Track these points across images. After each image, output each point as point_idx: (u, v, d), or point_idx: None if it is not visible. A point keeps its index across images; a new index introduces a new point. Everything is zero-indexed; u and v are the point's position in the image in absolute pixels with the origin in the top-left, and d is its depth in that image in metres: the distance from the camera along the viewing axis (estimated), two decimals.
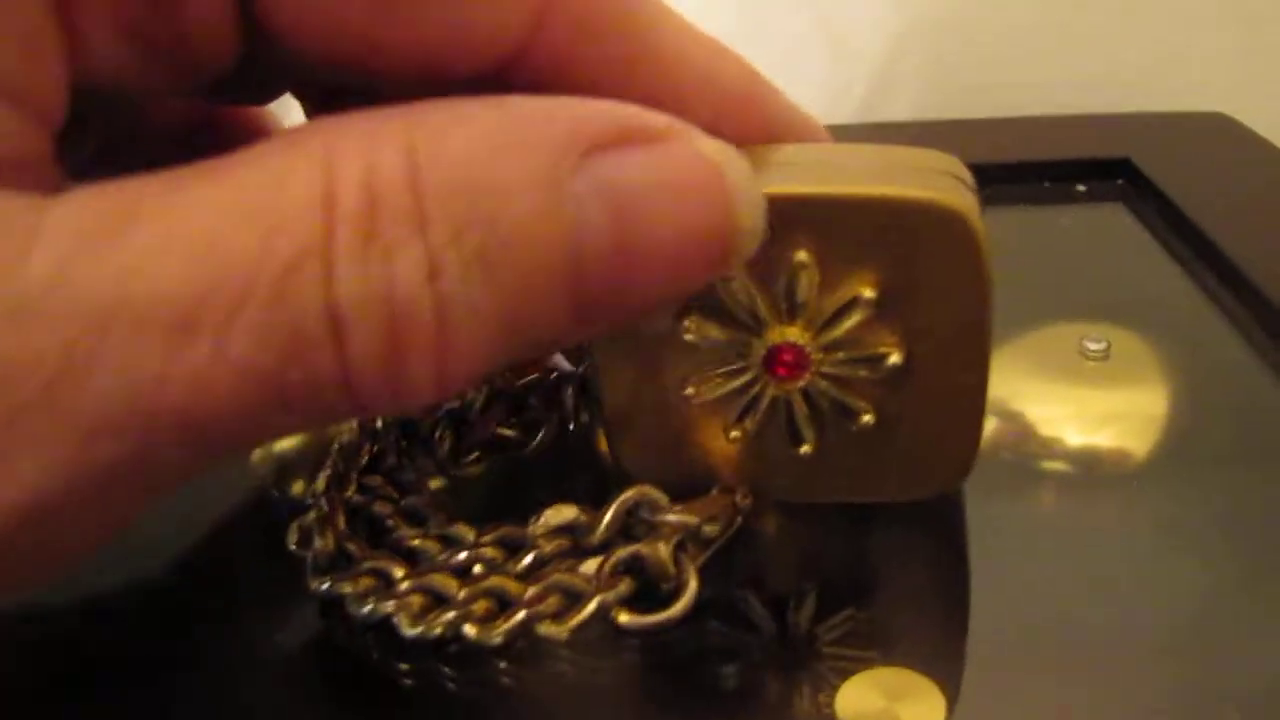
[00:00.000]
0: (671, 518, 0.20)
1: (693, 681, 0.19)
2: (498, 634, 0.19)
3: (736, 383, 0.20)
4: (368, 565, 0.20)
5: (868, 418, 0.20)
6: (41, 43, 0.14)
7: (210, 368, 0.13)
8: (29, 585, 0.15)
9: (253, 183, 0.13)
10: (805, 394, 0.20)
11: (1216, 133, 0.37)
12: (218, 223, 0.13)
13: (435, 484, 0.23)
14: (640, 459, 0.21)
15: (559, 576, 0.20)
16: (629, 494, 0.20)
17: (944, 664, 0.19)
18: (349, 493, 0.22)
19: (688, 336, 0.19)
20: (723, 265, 0.16)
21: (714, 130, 0.16)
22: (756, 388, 0.20)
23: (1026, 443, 0.24)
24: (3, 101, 0.14)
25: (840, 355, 0.19)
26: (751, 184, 0.16)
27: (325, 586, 0.20)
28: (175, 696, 0.19)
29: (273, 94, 0.20)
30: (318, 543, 0.20)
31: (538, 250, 0.14)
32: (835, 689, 0.18)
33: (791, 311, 0.19)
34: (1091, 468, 0.24)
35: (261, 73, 0.18)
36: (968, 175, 0.19)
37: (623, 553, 0.20)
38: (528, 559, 0.20)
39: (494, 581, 0.20)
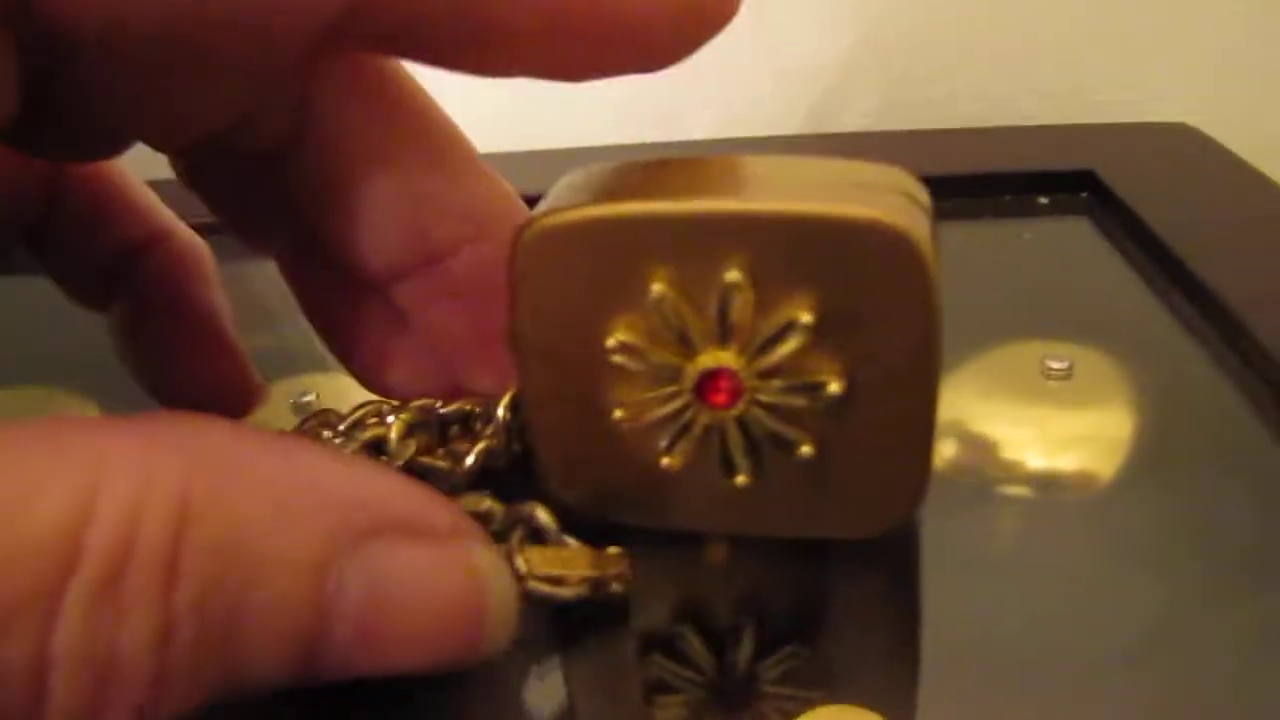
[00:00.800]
0: (536, 556, 0.18)
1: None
2: None
3: (667, 409, 0.18)
4: None
5: (806, 449, 0.18)
6: None
7: None
8: None
9: (12, 482, 0.12)
10: (740, 423, 0.18)
11: (1181, 144, 0.37)
12: None
13: None
14: (573, 488, 0.20)
15: None
16: (529, 506, 0.19)
17: (896, 698, 0.18)
18: None
19: (615, 359, 0.18)
20: (467, 653, 0.16)
21: None
22: (689, 414, 0.18)
23: (986, 465, 0.23)
24: None
25: (776, 383, 0.18)
26: (506, 588, 0.16)
27: None
28: None
29: (97, 140, 0.18)
30: None
31: (282, 624, 0.14)
32: None
33: (725, 335, 0.18)
34: (1053, 491, 0.23)
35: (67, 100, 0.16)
36: (922, 193, 0.18)
37: None
38: None
39: None
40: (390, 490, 0.15)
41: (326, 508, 0.14)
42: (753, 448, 0.19)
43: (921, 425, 0.18)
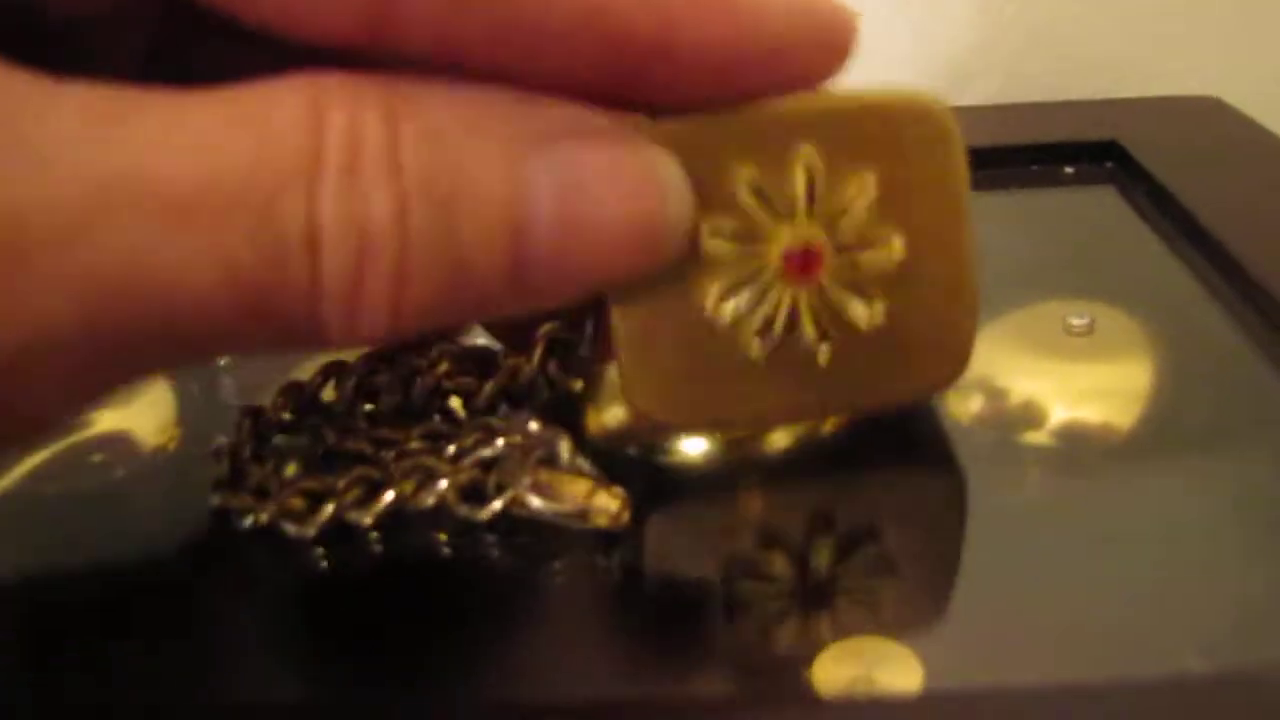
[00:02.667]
0: (544, 476, 0.20)
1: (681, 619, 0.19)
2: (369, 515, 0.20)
3: (754, 288, 0.20)
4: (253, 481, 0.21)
5: (879, 310, 0.20)
6: None
7: (199, 255, 0.14)
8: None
9: (245, 104, 0.15)
10: (820, 293, 0.20)
11: (1207, 116, 0.37)
12: (217, 126, 0.14)
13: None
14: (653, 392, 0.21)
15: (421, 460, 0.21)
16: (549, 432, 0.21)
17: (923, 634, 0.19)
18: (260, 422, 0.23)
19: (707, 245, 0.19)
20: (653, 254, 0.18)
21: (667, 41, 0.17)
22: (774, 291, 0.20)
23: (1010, 417, 0.24)
24: None
25: (849, 246, 0.20)
26: (682, 186, 0.18)
27: (216, 502, 0.21)
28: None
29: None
30: (217, 467, 0.22)
31: (492, 210, 0.16)
32: (813, 657, 0.18)
33: (804, 209, 0.20)
34: (1075, 443, 0.24)
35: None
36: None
37: (483, 452, 0.21)
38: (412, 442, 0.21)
39: (361, 471, 0.21)
40: (557, 104, 0.17)
41: (506, 117, 0.16)
42: (833, 316, 0.20)
43: (966, 286, 0.21)
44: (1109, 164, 0.35)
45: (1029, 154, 0.35)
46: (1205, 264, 0.29)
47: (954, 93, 0.43)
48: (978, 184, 0.35)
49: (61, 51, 0.17)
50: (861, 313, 0.20)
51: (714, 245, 0.19)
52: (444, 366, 0.23)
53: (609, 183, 0.17)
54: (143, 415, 0.26)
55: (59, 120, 0.14)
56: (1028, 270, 0.31)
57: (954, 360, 0.22)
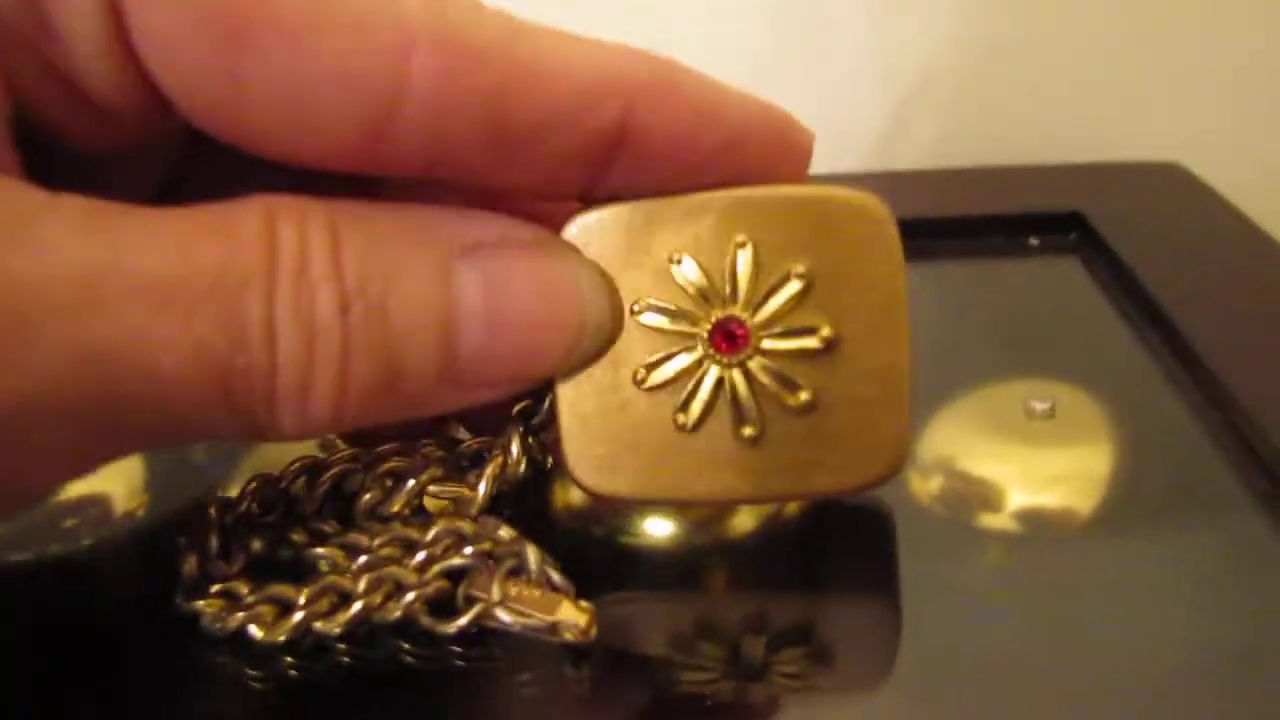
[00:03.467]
0: (514, 590, 0.21)
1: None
2: (337, 626, 0.21)
3: (684, 363, 0.21)
4: (218, 587, 0.22)
5: (805, 394, 0.21)
6: None
7: (176, 337, 0.16)
8: None
9: (214, 216, 0.17)
10: (746, 373, 0.21)
11: (1169, 185, 0.38)
12: (190, 233, 0.17)
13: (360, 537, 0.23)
14: (595, 469, 0.22)
15: (389, 569, 0.21)
16: (522, 543, 0.22)
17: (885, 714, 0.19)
18: (229, 517, 0.23)
19: (641, 318, 0.21)
20: (573, 350, 0.20)
21: (627, 122, 0.19)
22: (702, 368, 0.21)
23: (971, 501, 0.25)
24: None
25: (777, 330, 0.21)
26: (601, 289, 0.21)
27: (184, 607, 0.21)
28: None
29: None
30: (184, 565, 0.22)
31: (423, 308, 0.18)
32: None
33: (734, 291, 0.21)
34: (1035, 526, 0.24)
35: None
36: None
37: (452, 561, 0.21)
38: (362, 558, 0.22)
39: (331, 579, 0.21)
40: (482, 215, 0.19)
41: (438, 227, 0.19)
42: (758, 398, 0.21)
43: (898, 377, 0.21)
44: (1072, 235, 0.35)
45: (996, 225, 0.36)
46: (1162, 346, 0.29)
47: (914, 157, 0.44)
48: (947, 254, 0.36)
49: (81, 180, 0.18)
50: (785, 398, 0.21)
51: (646, 320, 0.21)
52: (434, 471, 0.23)
53: (531, 286, 0.19)
54: (113, 480, 0.26)
55: (59, 219, 0.16)
56: (992, 344, 0.31)
57: (885, 457, 0.22)
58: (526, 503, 0.24)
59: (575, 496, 0.25)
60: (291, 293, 0.17)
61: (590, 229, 0.21)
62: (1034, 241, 0.36)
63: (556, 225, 0.21)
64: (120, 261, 0.16)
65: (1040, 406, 0.27)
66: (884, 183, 0.39)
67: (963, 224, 0.36)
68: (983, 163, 0.42)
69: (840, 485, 0.22)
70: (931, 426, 0.27)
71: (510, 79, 0.18)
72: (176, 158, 0.21)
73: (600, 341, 0.21)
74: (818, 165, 0.21)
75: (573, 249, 0.21)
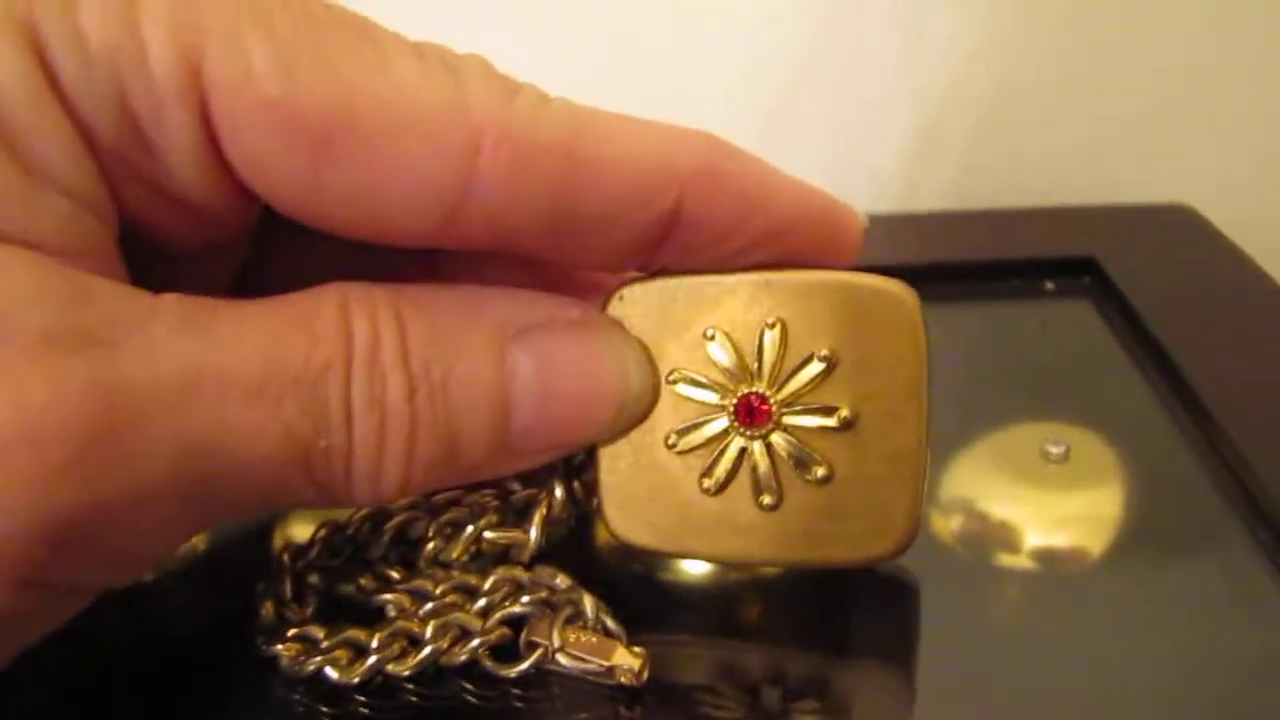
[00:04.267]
0: (572, 636, 0.22)
1: None
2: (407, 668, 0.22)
3: (710, 431, 0.23)
4: (294, 631, 0.23)
5: (821, 470, 0.22)
6: (78, 154, 0.18)
7: (266, 424, 0.18)
8: (94, 582, 0.19)
9: (295, 309, 0.19)
10: (768, 446, 0.23)
11: (1180, 227, 0.39)
12: (275, 328, 0.18)
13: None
14: (628, 522, 0.24)
15: (455, 616, 0.23)
16: (579, 592, 0.23)
17: None
18: (300, 564, 0.25)
19: (674, 386, 0.23)
20: (618, 423, 0.22)
21: (680, 211, 0.20)
22: (727, 438, 0.23)
23: (988, 541, 0.26)
24: (60, 195, 0.18)
25: (799, 407, 0.22)
26: (644, 366, 0.22)
27: (263, 647, 0.23)
28: None
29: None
30: (262, 610, 0.24)
31: (480, 388, 0.20)
32: None
33: (760, 368, 0.22)
34: (1049, 565, 0.26)
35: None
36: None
37: (513, 610, 0.23)
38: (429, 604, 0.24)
39: (400, 624, 0.23)
40: (533, 296, 0.21)
41: (494, 311, 0.21)
42: (778, 470, 0.23)
43: (915, 458, 0.22)
44: (1086, 279, 0.37)
45: (1011, 269, 0.37)
46: (1170, 392, 0.31)
47: (930, 198, 0.45)
48: (962, 296, 0.38)
49: (174, 265, 0.20)
50: (803, 472, 0.23)
51: (680, 390, 0.23)
52: (490, 518, 0.25)
53: (578, 364, 0.21)
54: None
55: (162, 323, 0.18)
56: (1009, 387, 0.33)
57: (895, 535, 0.23)
58: (575, 541, 0.26)
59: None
60: (366, 381, 0.19)
61: (635, 300, 0.23)
62: (1049, 285, 0.37)
63: (608, 289, 0.23)
64: (216, 360, 0.18)
65: (1055, 450, 0.29)
66: (902, 226, 0.41)
67: (980, 268, 0.37)
68: (997, 202, 0.44)
69: (851, 557, 0.23)
70: (950, 467, 0.29)
71: (570, 175, 0.19)
72: (257, 239, 0.23)
73: (640, 412, 0.23)
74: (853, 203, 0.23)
75: (617, 326, 0.22)
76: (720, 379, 0.23)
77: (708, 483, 0.23)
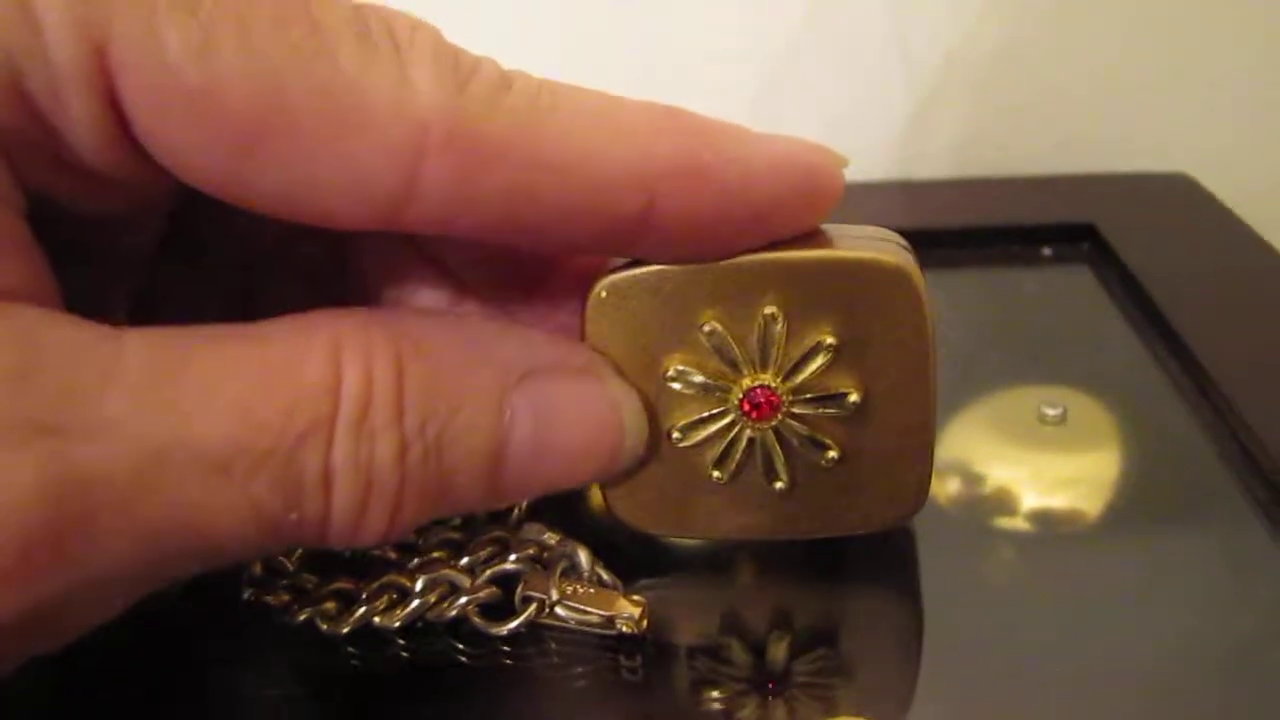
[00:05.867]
0: (570, 588, 0.22)
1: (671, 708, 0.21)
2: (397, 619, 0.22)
3: (716, 426, 0.22)
4: (285, 582, 0.23)
5: (833, 453, 0.22)
6: None
7: (234, 503, 0.16)
8: (40, 648, 0.17)
9: (277, 357, 0.17)
10: (777, 433, 0.22)
11: (1178, 196, 0.39)
12: (251, 390, 0.17)
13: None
14: (633, 509, 0.23)
15: (445, 572, 0.23)
16: (573, 545, 0.23)
17: (902, 714, 0.21)
18: None
19: (672, 385, 0.22)
20: (610, 469, 0.21)
21: (651, 208, 0.18)
22: (735, 430, 0.22)
23: (985, 503, 0.26)
24: None
25: (807, 396, 0.22)
26: (638, 414, 0.21)
27: (250, 597, 0.23)
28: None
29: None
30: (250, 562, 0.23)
31: (476, 440, 0.19)
32: None
33: (764, 359, 0.21)
34: (1046, 527, 0.26)
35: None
36: (905, 243, 0.22)
37: (502, 567, 0.23)
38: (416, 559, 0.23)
39: (390, 577, 0.23)
40: (537, 340, 0.20)
41: (496, 356, 0.19)
42: (789, 455, 0.22)
43: (922, 430, 0.22)
44: (1085, 245, 0.37)
45: (1009, 235, 0.37)
46: (1168, 355, 0.31)
47: (930, 164, 0.45)
48: (960, 262, 0.37)
49: (85, 237, 0.19)
50: (815, 457, 0.22)
51: (678, 381, 0.22)
52: None
53: (578, 416, 0.20)
54: None
55: (117, 393, 0.16)
56: (1007, 351, 0.33)
57: (908, 501, 0.23)
58: (569, 504, 0.25)
59: None
60: (352, 443, 0.17)
61: (621, 292, 0.21)
62: (1047, 251, 0.37)
63: (590, 280, 0.21)
64: (180, 436, 0.16)
65: (1052, 412, 0.29)
66: (902, 194, 0.41)
67: (979, 234, 0.37)
68: (997, 169, 0.44)
69: (866, 525, 0.23)
70: (948, 431, 0.29)
71: (527, 178, 0.17)
72: (180, 205, 0.21)
73: (633, 461, 0.22)
74: (852, 172, 0.21)
75: (617, 376, 0.21)
76: (722, 372, 0.21)
77: (719, 474, 0.22)
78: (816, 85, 0.44)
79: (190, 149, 0.16)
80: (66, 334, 0.16)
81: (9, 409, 0.15)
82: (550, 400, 0.20)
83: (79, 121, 0.16)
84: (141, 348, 0.16)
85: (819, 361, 0.21)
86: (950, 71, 0.44)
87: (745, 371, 0.21)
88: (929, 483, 0.23)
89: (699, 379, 0.21)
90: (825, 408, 0.22)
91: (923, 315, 0.21)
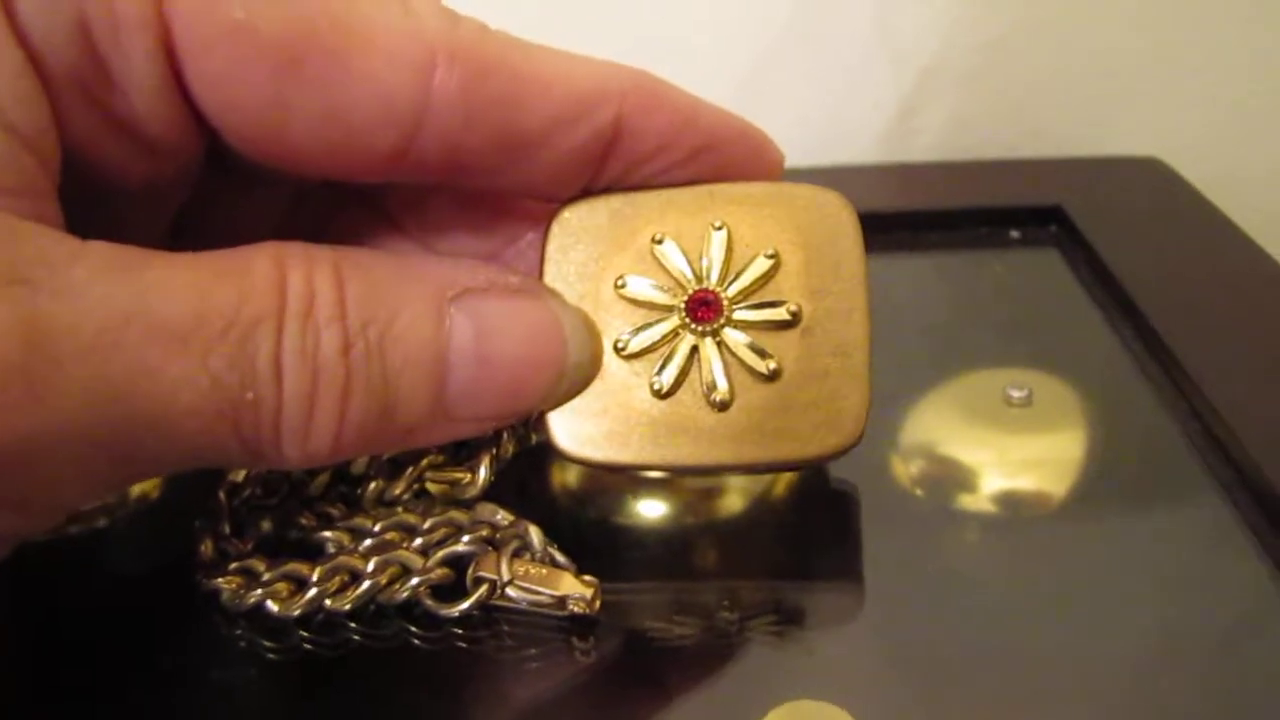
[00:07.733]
0: (521, 569, 0.22)
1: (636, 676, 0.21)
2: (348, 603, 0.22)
3: (661, 331, 0.23)
4: (235, 565, 0.23)
5: (772, 363, 0.23)
6: (26, 87, 0.18)
7: (191, 374, 0.17)
8: (8, 529, 0.18)
9: (228, 262, 0.18)
10: (718, 342, 0.23)
11: (1147, 180, 0.39)
12: (207, 277, 0.18)
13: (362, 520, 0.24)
14: (573, 434, 0.23)
15: (396, 554, 0.23)
16: (525, 525, 0.23)
17: (862, 697, 0.20)
18: (237, 501, 0.25)
19: (622, 292, 0.23)
20: (556, 388, 0.22)
21: (620, 125, 0.21)
22: (678, 337, 0.23)
23: (949, 484, 0.26)
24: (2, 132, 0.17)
25: (747, 302, 0.23)
26: (583, 332, 0.22)
27: (203, 581, 0.23)
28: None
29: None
30: (201, 547, 0.23)
31: (418, 347, 0.19)
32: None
33: (709, 270, 0.23)
34: (1010, 508, 0.26)
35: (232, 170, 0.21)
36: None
37: (454, 549, 0.23)
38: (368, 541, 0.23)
39: (341, 559, 0.23)
40: (474, 264, 0.21)
41: (431, 273, 0.20)
42: (729, 368, 0.23)
43: (859, 351, 0.23)
44: (1053, 228, 0.37)
45: (977, 217, 0.37)
46: (1134, 338, 0.31)
47: (900, 149, 0.45)
48: (928, 245, 0.37)
49: (108, 209, 0.20)
50: (755, 364, 0.23)
51: (629, 293, 0.23)
52: (433, 457, 0.25)
53: (518, 328, 0.21)
54: None
55: (87, 265, 0.17)
56: (973, 333, 0.33)
57: (846, 429, 0.23)
58: (525, 488, 0.25)
59: (571, 480, 0.26)
60: (299, 334, 0.18)
61: (581, 214, 0.23)
62: (1015, 234, 0.37)
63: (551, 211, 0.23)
64: (142, 304, 0.17)
65: (1017, 394, 0.28)
66: (869, 175, 0.40)
67: (947, 217, 0.37)
68: (968, 154, 0.44)
69: (804, 454, 0.23)
70: (913, 412, 0.28)
71: (518, 88, 0.20)
72: (195, 189, 0.22)
73: (581, 380, 0.22)
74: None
75: (557, 295, 0.22)
76: (670, 280, 0.23)
77: (658, 384, 0.23)
78: (796, 67, 0.44)
79: (234, 80, 0.19)
80: (42, 227, 0.17)
81: None
82: (489, 312, 0.20)
83: (136, 63, 0.18)
84: (105, 246, 0.18)
85: (759, 269, 0.23)
86: (926, 59, 0.43)
87: (692, 279, 0.23)
88: (867, 412, 0.23)
89: (648, 282, 0.23)
90: (764, 312, 0.23)
91: (857, 241, 0.23)
